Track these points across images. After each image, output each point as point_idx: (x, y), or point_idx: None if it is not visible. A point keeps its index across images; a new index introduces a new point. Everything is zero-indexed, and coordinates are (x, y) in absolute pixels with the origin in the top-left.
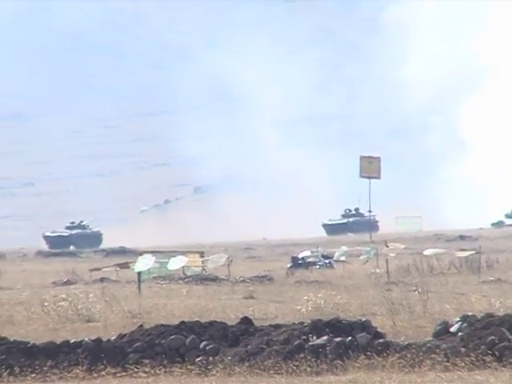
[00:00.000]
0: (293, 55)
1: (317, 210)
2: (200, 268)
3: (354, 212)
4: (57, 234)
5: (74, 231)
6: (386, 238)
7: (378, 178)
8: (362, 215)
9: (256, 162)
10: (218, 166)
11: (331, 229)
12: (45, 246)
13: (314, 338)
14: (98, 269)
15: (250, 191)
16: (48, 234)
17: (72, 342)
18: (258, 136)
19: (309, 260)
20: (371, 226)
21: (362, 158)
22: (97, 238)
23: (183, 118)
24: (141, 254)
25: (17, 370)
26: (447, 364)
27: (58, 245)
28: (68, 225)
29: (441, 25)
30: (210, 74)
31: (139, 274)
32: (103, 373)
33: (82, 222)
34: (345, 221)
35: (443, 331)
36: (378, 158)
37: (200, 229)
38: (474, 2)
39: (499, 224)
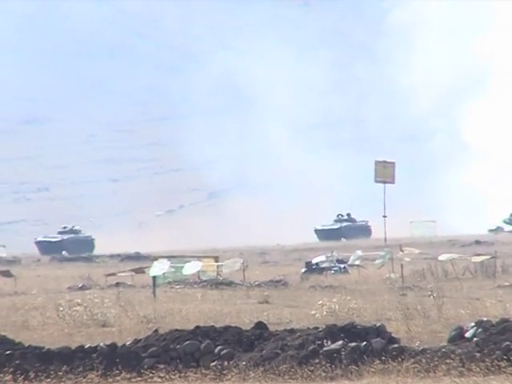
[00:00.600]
0: (304, 57)
1: (330, 214)
2: (215, 273)
3: (346, 217)
4: (48, 240)
5: (66, 236)
6: (400, 243)
7: (393, 182)
8: (354, 220)
9: (269, 166)
10: (231, 170)
11: (324, 234)
12: (37, 252)
13: (329, 342)
14: (114, 274)
15: (263, 195)
16: (40, 239)
17: (87, 346)
18: (270, 139)
19: (323, 265)
20: (364, 231)
21: (376, 162)
22: (89, 243)
23: (197, 122)
24: (156, 258)
25: (32, 374)
26: (462, 369)
27: (50, 250)
28: (60, 230)
29: (445, 27)
30: (222, 76)
31: (154, 278)
32: (118, 378)
33: (73, 227)
34: (337, 226)
35: (458, 336)
36: (393, 163)
37: (214, 233)
38: (479, 2)
39: (497, 230)
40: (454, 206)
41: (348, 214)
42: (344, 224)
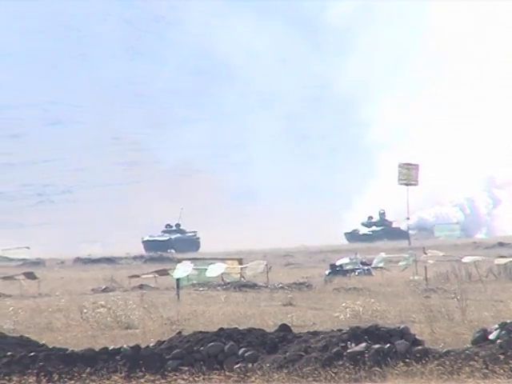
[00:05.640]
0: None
1: (349, 217)
2: (238, 275)
3: (175, 228)
4: None
5: None
6: (423, 245)
7: (416, 184)
8: (183, 232)
9: (296, 170)
10: (258, 173)
11: (151, 245)
12: None
13: (353, 345)
14: (137, 276)
15: (289, 198)
16: None
17: (111, 348)
18: (295, 144)
19: (347, 267)
20: (192, 243)
21: (400, 164)
22: None
23: (222, 125)
24: (179, 260)
25: (56, 376)
26: (486, 371)
27: None
28: None
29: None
30: (248, 81)
31: (178, 280)
32: (142, 380)
33: None
34: (166, 238)
35: (482, 338)
36: (417, 165)
37: (238, 235)
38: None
39: (353, 233)
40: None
41: (177, 225)
42: (173, 235)
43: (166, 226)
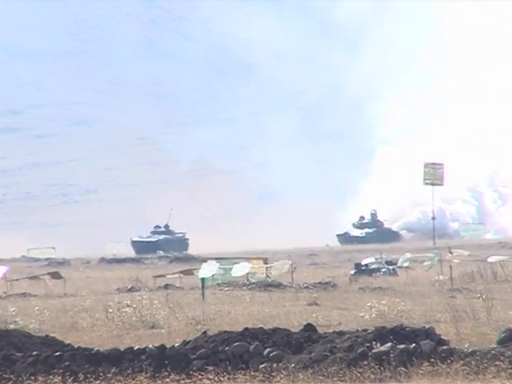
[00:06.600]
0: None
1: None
2: (264, 275)
3: (163, 229)
4: None
5: None
6: (449, 245)
7: (442, 184)
8: (172, 233)
9: (315, 169)
10: (277, 172)
11: (140, 246)
12: None
13: (378, 345)
14: (162, 275)
15: (308, 198)
16: None
17: (136, 348)
18: (319, 144)
19: (372, 266)
20: (181, 244)
21: (426, 164)
22: None
23: (245, 124)
24: (205, 260)
25: (81, 376)
26: None
27: None
28: None
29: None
30: (272, 81)
31: (203, 280)
32: (167, 379)
33: None
34: (155, 239)
35: (507, 338)
36: (442, 165)
37: (263, 235)
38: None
39: (345, 235)
40: None
41: (166, 226)
42: (161, 236)
43: (154, 227)
